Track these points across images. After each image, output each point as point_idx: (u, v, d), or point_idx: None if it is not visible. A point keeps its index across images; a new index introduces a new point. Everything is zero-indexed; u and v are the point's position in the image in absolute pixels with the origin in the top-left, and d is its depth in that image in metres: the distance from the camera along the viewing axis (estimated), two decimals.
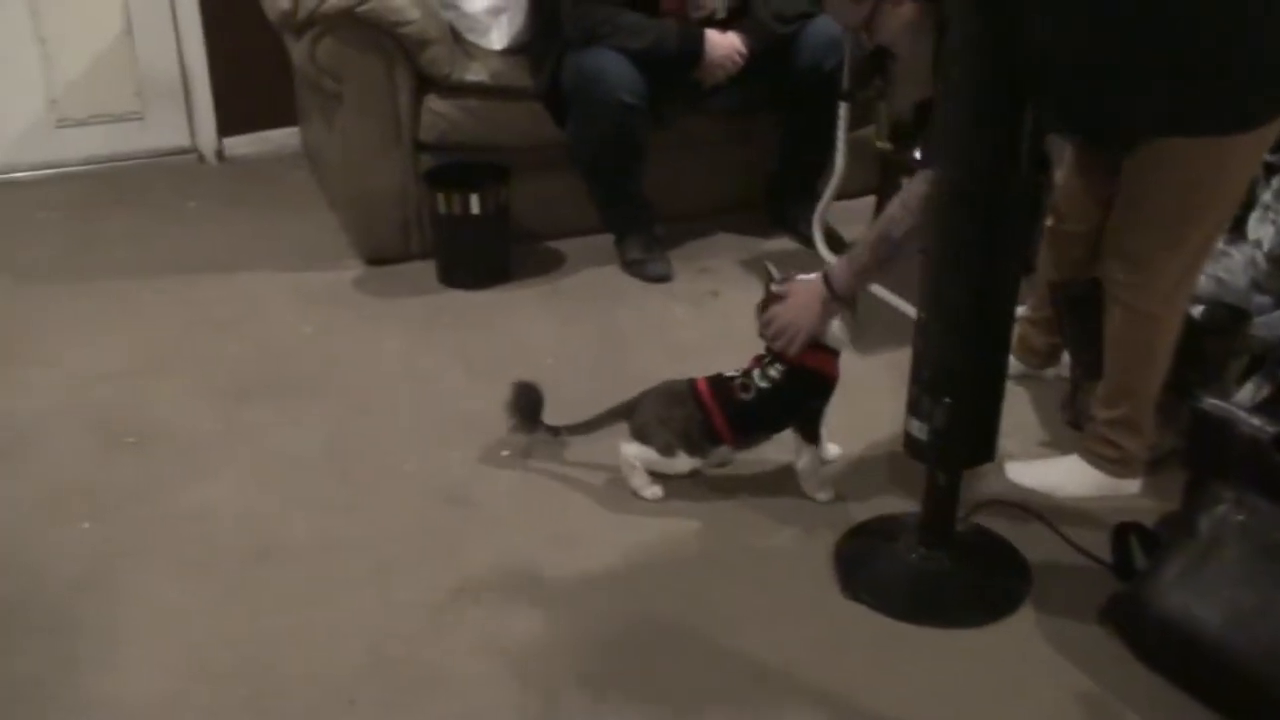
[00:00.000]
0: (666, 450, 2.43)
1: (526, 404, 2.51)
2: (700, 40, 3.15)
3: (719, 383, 2.44)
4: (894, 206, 2.31)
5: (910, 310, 2.66)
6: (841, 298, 2.35)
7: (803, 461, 2.44)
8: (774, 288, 2.40)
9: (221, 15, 3.84)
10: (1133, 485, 2.45)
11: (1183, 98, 2.10)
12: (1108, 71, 2.09)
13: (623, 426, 2.48)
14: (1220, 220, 2.30)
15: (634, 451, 2.45)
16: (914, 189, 2.26)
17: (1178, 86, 2.09)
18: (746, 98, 3.32)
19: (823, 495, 2.46)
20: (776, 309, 2.38)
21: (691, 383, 2.45)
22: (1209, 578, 1.98)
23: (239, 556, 2.29)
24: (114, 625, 2.13)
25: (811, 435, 2.43)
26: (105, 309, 3.14)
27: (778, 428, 2.45)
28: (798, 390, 2.40)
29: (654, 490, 2.46)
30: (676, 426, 2.42)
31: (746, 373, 2.43)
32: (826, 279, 2.36)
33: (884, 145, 3.09)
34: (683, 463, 2.44)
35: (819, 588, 2.23)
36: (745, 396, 2.40)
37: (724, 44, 3.17)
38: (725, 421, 2.41)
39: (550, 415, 2.59)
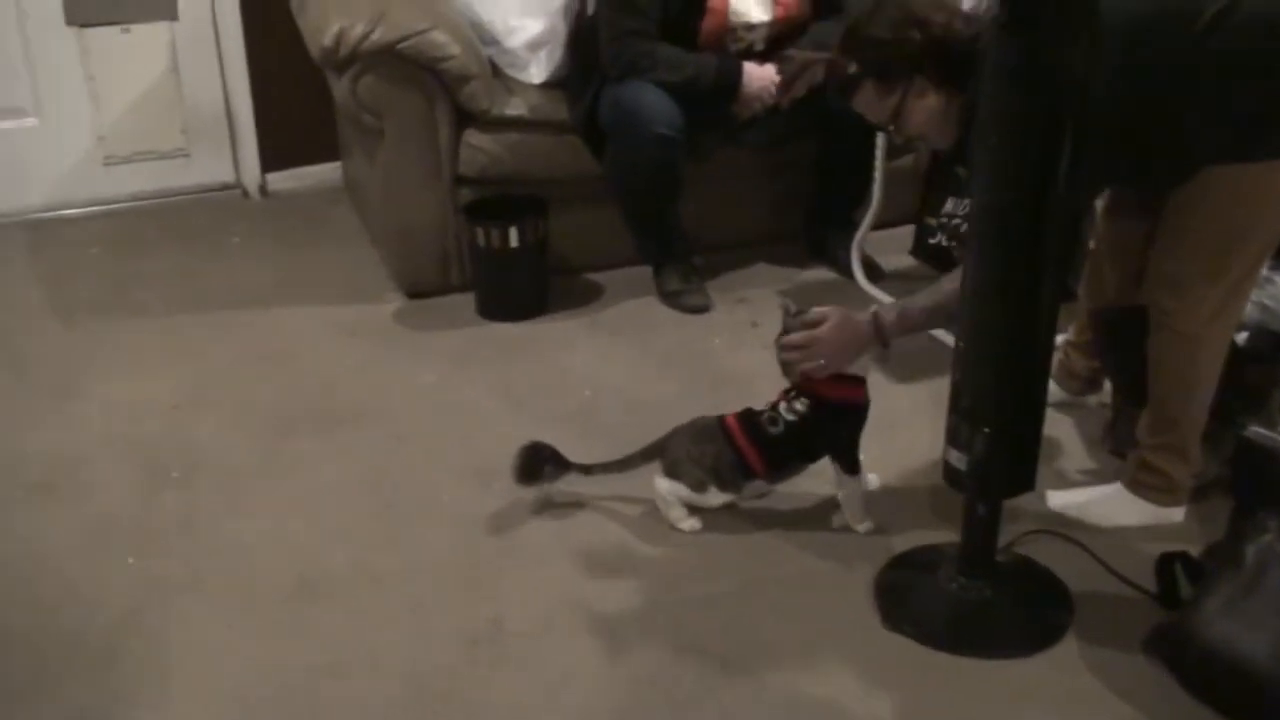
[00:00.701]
0: (698, 486, 2.43)
1: (529, 464, 2.48)
2: (738, 73, 3.17)
3: (747, 418, 2.44)
4: (948, 283, 2.31)
5: (949, 339, 2.65)
6: (884, 342, 2.36)
7: (844, 492, 2.44)
8: (789, 320, 2.41)
9: (265, 53, 3.89)
10: (1177, 514, 2.43)
11: (1233, 127, 2.10)
12: (1159, 116, 2.09)
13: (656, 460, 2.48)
14: (1265, 246, 2.28)
15: (667, 487, 2.46)
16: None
17: (1228, 118, 2.09)
18: (784, 128, 3.32)
19: (863, 527, 2.45)
20: (820, 334, 2.35)
21: (720, 419, 2.46)
22: (1255, 608, 1.96)
23: (281, 589, 2.31)
24: (158, 659, 2.15)
25: (849, 465, 2.42)
26: (150, 344, 3.18)
27: (811, 459, 2.45)
28: (825, 421, 2.40)
29: (692, 523, 2.46)
30: (707, 463, 2.42)
31: (774, 406, 2.43)
32: (878, 322, 2.35)
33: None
34: (715, 497, 2.45)
35: (860, 619, 2.22)
36: (774, 430, 2.41)
37: (761, 76, 3.18)
38: (757, 455, 2.41)
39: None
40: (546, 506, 2.53)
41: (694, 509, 2.47)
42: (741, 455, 2.41)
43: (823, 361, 2.35)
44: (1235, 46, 2.06)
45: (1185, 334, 2.28)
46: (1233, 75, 2.07)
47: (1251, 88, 2.08)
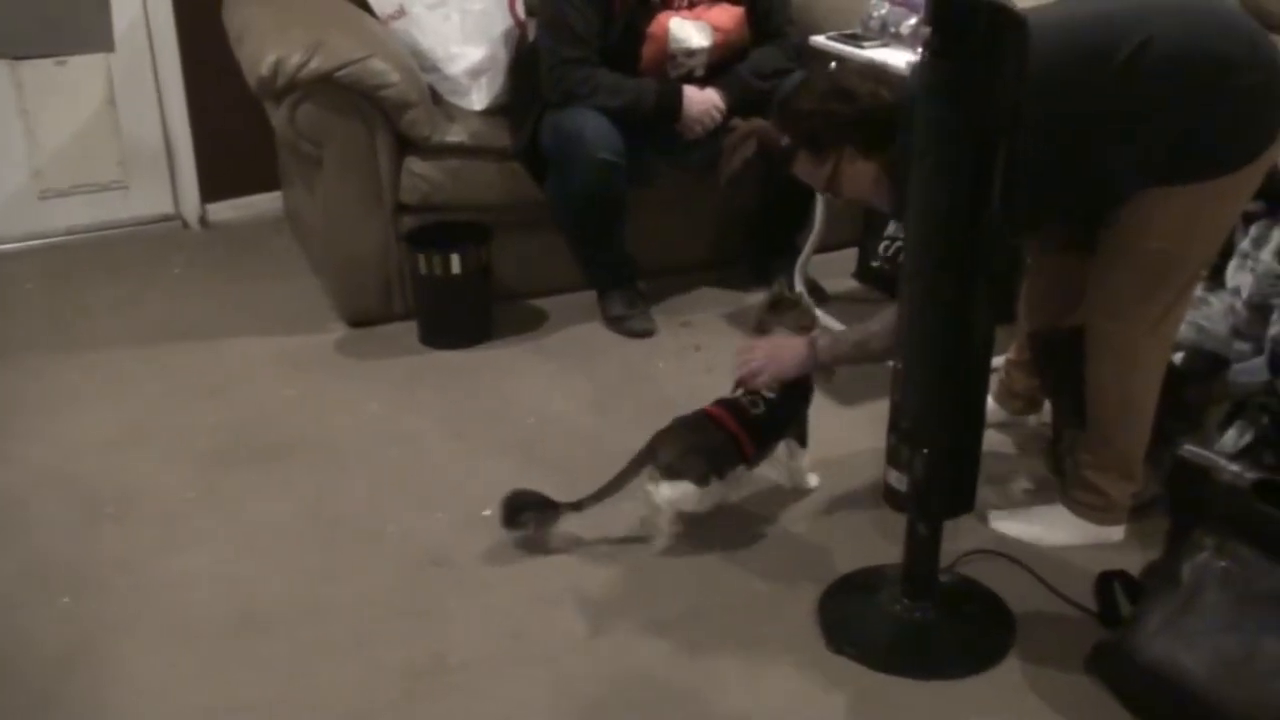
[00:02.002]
0: (703, 480, 2.42)
1: (509, 511, 2.47)
2: (678, 96, 3.18)
3: (730, 404, 2.51)
4: (875, 324, 2.42)
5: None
6: (822, 363, 2.50)
7: (797, 460, 2.62)
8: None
9: (203, 83, 3.86)
10: (1116, 533, 2.45)
11: (1153, 158, 2.14)
12: (1084, 152, 2.13)
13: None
14: (1198, 267, 2.31)
15: (669, 492, 2.42)
16: (891, 319, 2.29)
17: (1147, 151, 2.13)
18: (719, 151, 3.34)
19: (813, 480, 2.63)
20: (758, 344, 2.55)
21: (702, 412, 2.50)
22: (1192, 625, 1.98)
23: (220, 626, 2.28)
24: (96, 699, 2.11)
25: (805, 438, 2.61)
26: (88, 379, 3.14)
27: (781, 436, 2.59)
28: (796, 399, 2.56)
29: (671, 533, 2.47)
30: (706, 454, 2.44)
31: (749, 392, 2.51)
32: (812, 343, 2.49)
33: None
34: (713, 493, 2.46)
35: (803, 641, 2.22)
36: (756, 411, 2.49)
37: (701, 100, 3.19)
38: (747, 438, 2.47)
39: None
40: (490, 530, 2.51)
41: (681, 517, 2.47)
42: (735, 438, 2.45)
43: (759, 369, 2.49)
44: (1150, 84, 2.11)
45: (1122, 355, 2.31)
46: (1150, 110, 2.12)
47: (1167, 121, 2.12)
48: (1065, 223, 2.44)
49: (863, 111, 2.33)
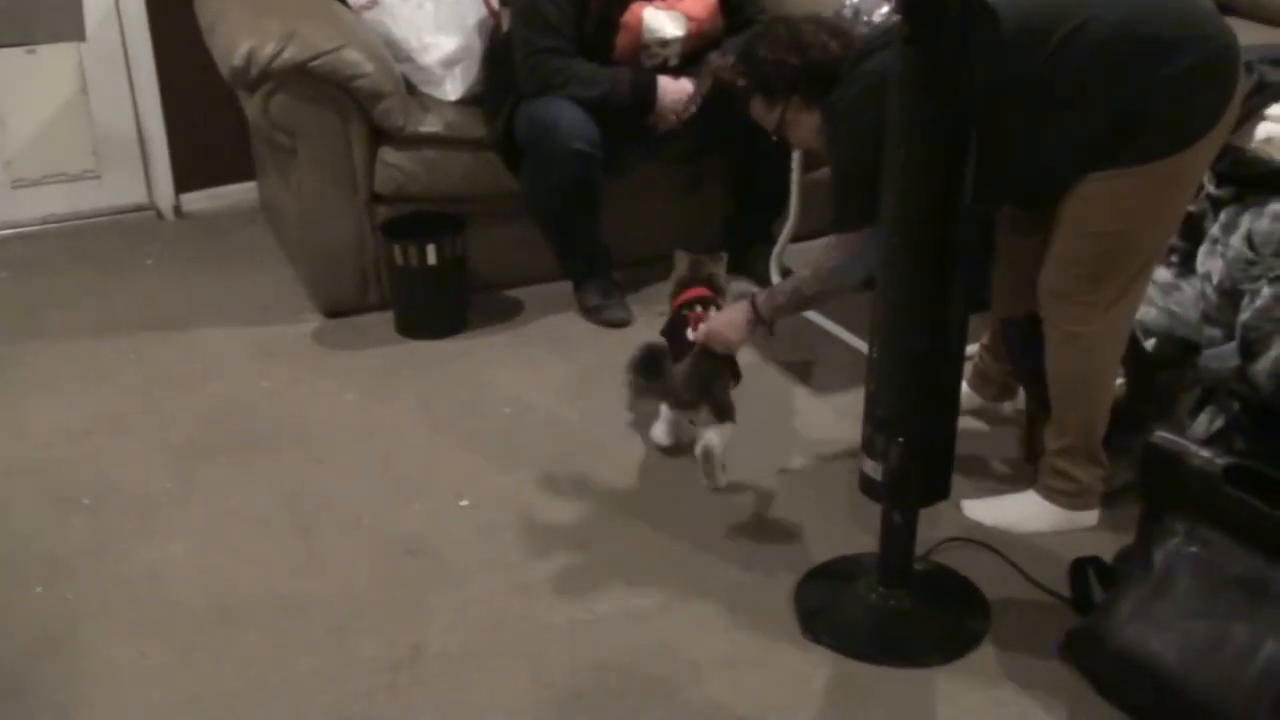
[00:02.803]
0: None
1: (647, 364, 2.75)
2: (653, 87, 3.18)
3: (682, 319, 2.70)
4: (806, 270, 2.50)
5: (865, 348, 2.68)
6: (764, 322, 2.55)
7: (723, 437, 2.54)
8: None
9: (176, 72, 3.84)
10: (1090, 518, 2.47)
11: (1090, 142, 2.16)
12: (1024, 132, 2.15)
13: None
14: (1148, 252, 2.33)
15: (725, 437, 2.53)
16: (823, 261, 2.44)
17: (1084, 134, 2.15)
18: (700, 143, 3.35)
19: (724, 480, 2.58)
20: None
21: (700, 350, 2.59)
22: (1164, 611, 2.00)
23: (196, 617, 2.27)
24: (70, 689, 2.10)
25: (730, 410, 2.56)
26: (62, 369, 3.12)
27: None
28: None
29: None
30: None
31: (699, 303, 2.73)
32: (754, 305, 2.54)
33: None
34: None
35: (780, 630, 2.23)
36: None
37: (676, 89, 3.19)
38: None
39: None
40: (467, 520, 2.51)
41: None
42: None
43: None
44: (1082, 66, 2.13)
45: (1073, 339, 2.33)
46: (1083, 93, 2.14)
47: (1101, 104, 2.14)
48: (1017, 205, 2.47)
49: (813, 65, 2.40)
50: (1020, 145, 2.18)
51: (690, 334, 2.63)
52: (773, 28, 2.54)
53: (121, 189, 3.98)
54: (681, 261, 2.89)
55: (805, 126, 2.48)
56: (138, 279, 3.62)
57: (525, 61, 3.16)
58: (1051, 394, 2.41)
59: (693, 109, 3.21)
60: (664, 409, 2.72)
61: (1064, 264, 2.29)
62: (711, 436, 2.51)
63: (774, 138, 2.56)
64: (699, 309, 2.73)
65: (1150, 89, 2.12)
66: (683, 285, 2.85)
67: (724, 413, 2.53)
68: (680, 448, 2.72)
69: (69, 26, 3.74)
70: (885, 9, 3.05)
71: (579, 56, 3.17)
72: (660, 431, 2.74)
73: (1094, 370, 2.37)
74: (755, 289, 2.88)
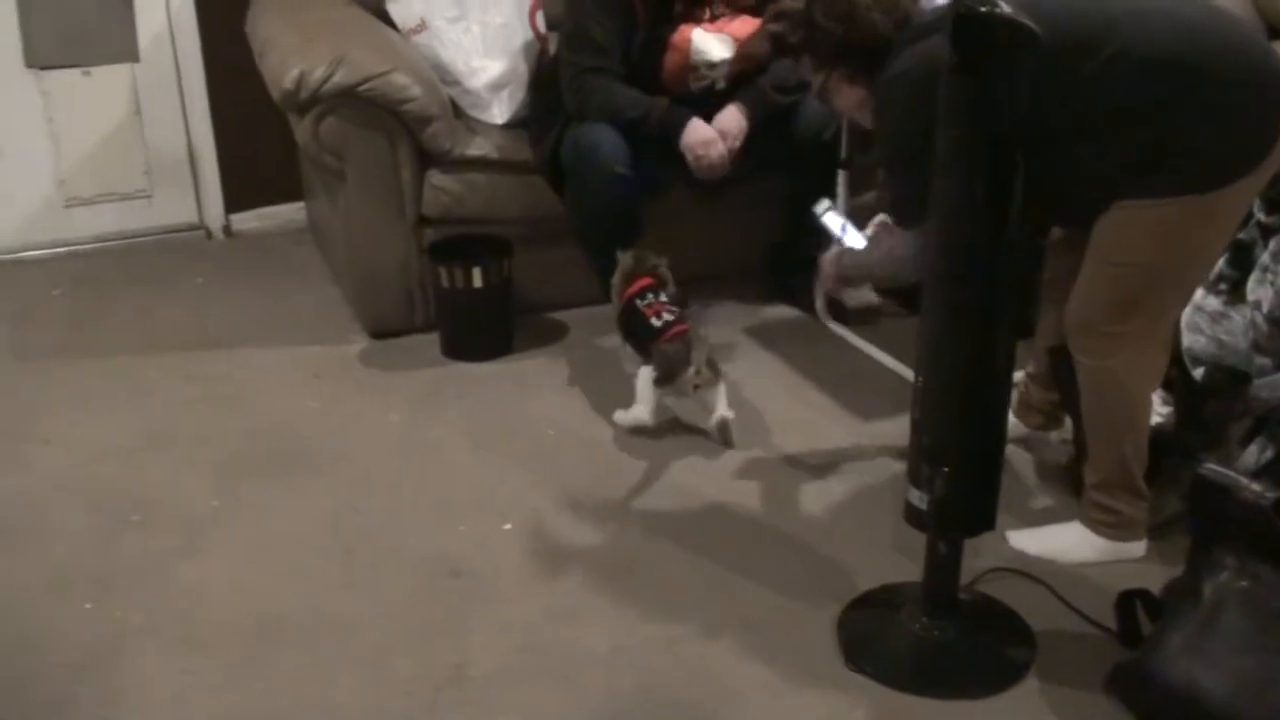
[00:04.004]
0: None
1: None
2: (682, 124, 3.15)
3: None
4: (879, 250, 2.59)
5: (910, 374, 2.67)
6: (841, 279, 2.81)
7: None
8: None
9: (228, 94, 3.89)
10: (1136, 549, 2.44)
11: (1125, 166, 2.14)
12: (1060, 151, 2.13)
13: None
14: (1180, 286, 2.31)
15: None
16: (897, 247, 2.49)
17: (1119, 158, 2.13)
18: (746, 166, 3.34)
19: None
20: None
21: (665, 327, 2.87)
22: (1213, 646, 1.97)
23: (239, 635, 2.29)
24: (114, 706, 2.13)
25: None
26: (111, 386, 3.16)
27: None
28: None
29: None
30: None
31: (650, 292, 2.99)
32: (837, 263, 2.70)
33: None
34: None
35: (822, 659, 2.21)
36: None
37: (704, 135, 3.14)
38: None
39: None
40: (510, 543, 2.52)
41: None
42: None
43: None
44: (1128, 88, 2.10)
45: (1101, 373, 2.31)
46: (1126, 116, 2.11)
47: (1141, 130, 2.12)
48: (1054, 222, 2.49)
49: (858, 39, 2.36)
50: (1056, 161, 2.15)
51: (655, 321, 2.89)
52: None
53: (172, 208, 4.03)
54: (625, 258, 3.07)
55: (846, 97, 2.47)
56: (187, 298, 3.66)
57: (570, 82, 3.18)
58: (1085, 428, 2.39)
59: (722, 157, 3.19)
60: (645, 392, 2.86)
61: (1091, 292, 2.26)
62: (723, 404, 2.82)
63: (818, 100, 2.58)
64: (651, 298, 2.97)
65: (1196, 120, 2.09)
66: (629, 278, 3.04)
67: (719, 370, 2.86)
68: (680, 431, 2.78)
69: (123, 48, 3.80)
70: None
71: (622, 79, 3.18)
72: (644, 412, 2.86)
73: (1123, 404, 2.34)
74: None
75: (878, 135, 2.42)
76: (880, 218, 2.73)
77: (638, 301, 2.98)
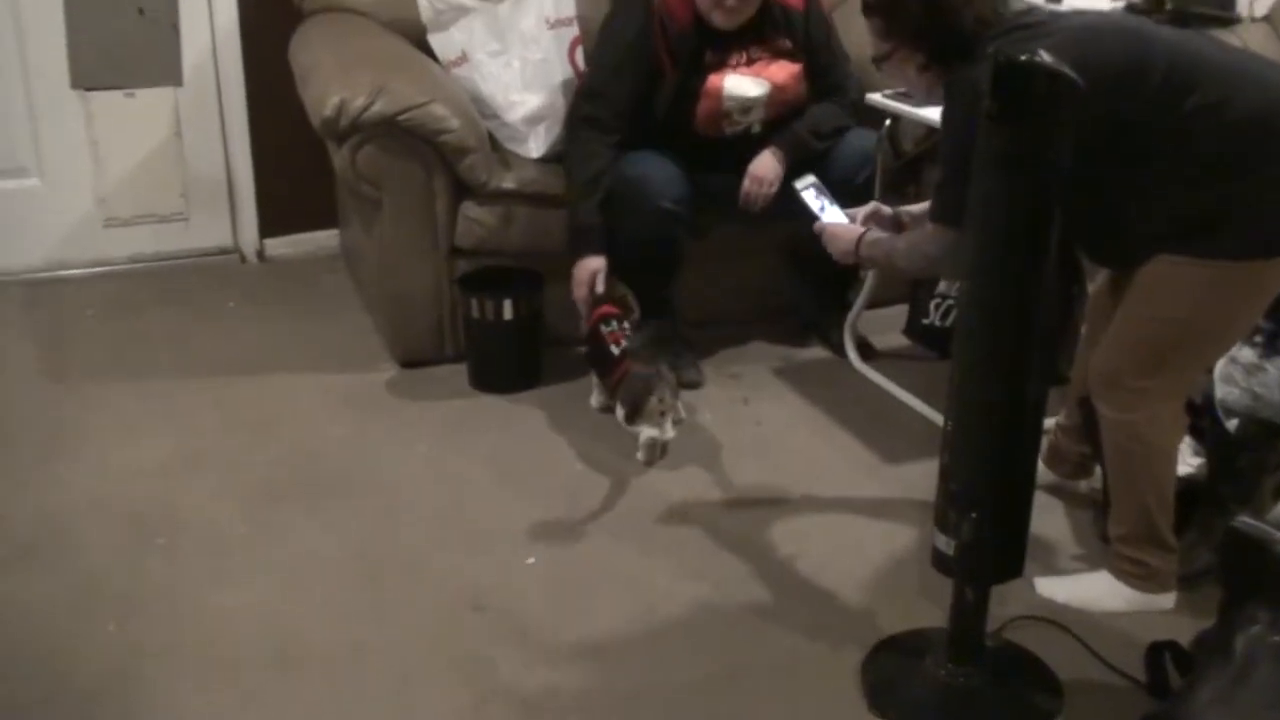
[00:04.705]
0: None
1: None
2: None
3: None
4: (903, 241, 2.52)
5: (939, 419, 2.66)
6: (858, 261, 2.66)
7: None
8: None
9: (267, 120, 3.92)
10: (1166, 600, 2.42)
11: (1183, 220, 2.12)
12: (1117, 188, 2.12)
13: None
14: (1209, 346, 2.30)
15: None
16: (921, 243, 2.44)
17: (1181, 210, 2.12)
18: (781, 208, 3.33)
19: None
20: (831, 226, 2.73)
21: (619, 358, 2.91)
22: (1244, 701, 1.94)
23: (262, 662, 2.29)
24: None
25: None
26: (142, 407, 3.18)
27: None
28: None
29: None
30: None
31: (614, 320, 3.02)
32: (859, 241, 2.60)
33: None
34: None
35: (846, 704, 2.20)
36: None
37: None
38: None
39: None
40: (534, 576, 2.51)
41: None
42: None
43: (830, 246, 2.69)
44: (1209, 143, 2.09)
45: (1123, 427, 2.30)
46: (1194, 170, 2.11)
47: (1206, 189, 2.11)
48: (1090, 258, 2.45)
49: (933, 25, 2.25)
50: (1109, 204, 2.14)
51: (614, 349, 2.95)
52: None
53: (208, 231, 4.06)
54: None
55: (903, 76, 2.38)
56: (218, 321, 3.69)
57: (565, 124, 3.26)
58: (1109, 480, 2.38)
59: (772, 190, 3.20)
60: (650, 432, 2.83)
61: (1121, 344, 2.26)
62: (669, 427, 2.84)
63: (876, 65, 2.44)
64: (614, 325, 3.00)
65: (1265, 187, 2.09)
66: (597, 303, 3.08)
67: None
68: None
69: (167, 72, 3.84)
70: None
71: (618, 133, 3.18)
72: (643, 440, 2.84)
73: (1145, 458, 2.32)
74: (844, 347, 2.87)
75: (942, 128, 2.34)
76: (871, 206, 2.71)
77: (601, 327, 3.03)
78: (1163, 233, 2.15)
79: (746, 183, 3.22)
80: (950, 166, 2.28)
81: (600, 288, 3.12)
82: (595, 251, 3.14)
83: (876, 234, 2.60)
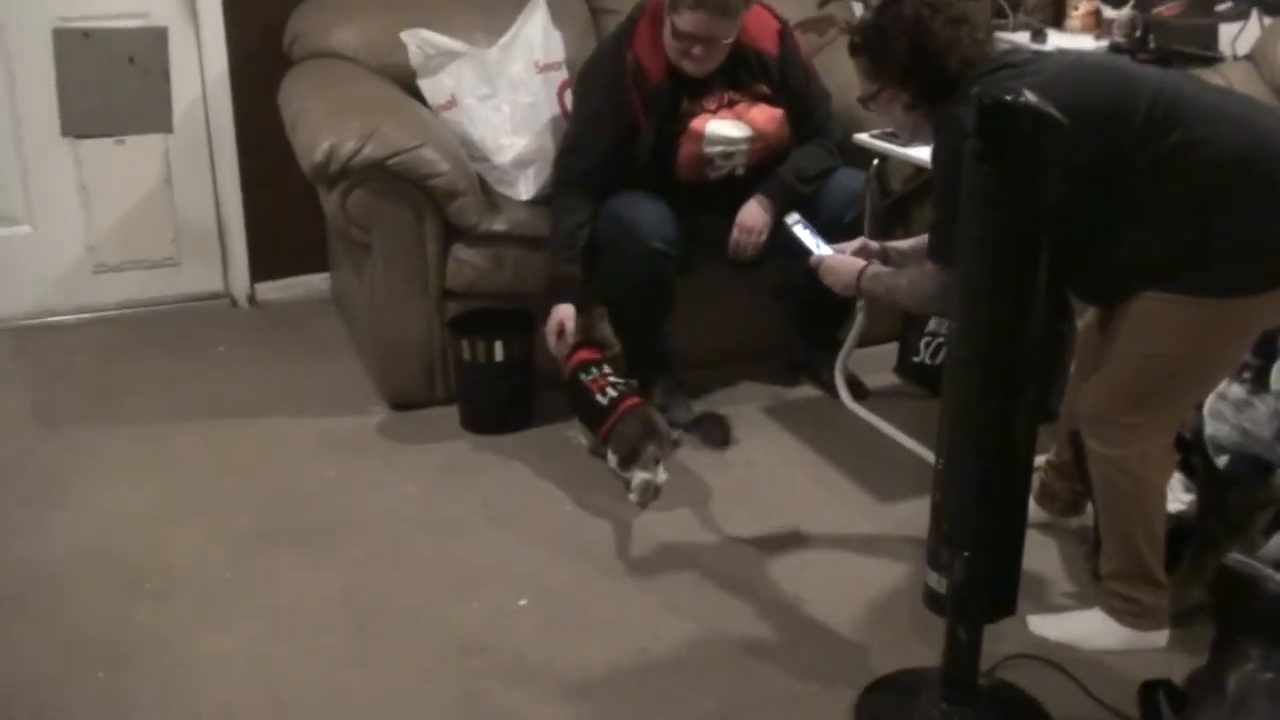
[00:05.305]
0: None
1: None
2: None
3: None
4: (904, 278, 2.48)
5: (930, 456, 2.66)
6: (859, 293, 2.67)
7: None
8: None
9: (257, 165, 3.93)
10: (1159, 638, 2.41)
11: (1169, 255, 2.14)
12: (1103, 224, 2.14)
13: None
14: (1196, 384, 2.31)
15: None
16: (920, 283, 2.40)
17: (1166, 245, 2.13)
18: (770, 249, 3.34)
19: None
20: (831, 259, 2.71)
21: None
22: None
23: (253, 710, 2.27)
24: None
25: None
26: (132, 453, 3.17)
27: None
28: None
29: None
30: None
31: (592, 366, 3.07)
32: (860, 274, 2.57)
33: None
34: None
35: None
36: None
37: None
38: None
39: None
40: (525, 619, 2.50)
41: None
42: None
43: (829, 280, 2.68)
44: (1188, 180, 2.11)
45: (1112, 463, 2.31)
46: (1178, 207, 2.12)
47: (1190, 225, 2.13)
48: (1079, 295, 2.46)
49: (922, 67, 2.26)
50: (1095, 240, 2.16)
51: (600, 399, 2.99)
52: (911, 4, 2.29)
53: (198, 277, 4.07)
54: (574, 319, 3.12)
55: (890, 115, 2.40)
56: (209, 366, 3.68)
57: (553, 181, 3.30)
58: (1099, 517, 2.38)
59: (761, 238, 3.22)
60: (644, 475, 2.91)
61: (1112, 380, 2.27)
62: (660, 470, 2.92)
63: (862, 105, 2.45)
64: (595, 372, 3.05)
65: (1245, 224, 2.10)
66: (574, 348, 3.11)
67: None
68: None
69: (158, 119, 3.85)
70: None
71: (600, 184, 3.21)
72: (636, 484, 2.91)
73: (1134, 494, 2.33)
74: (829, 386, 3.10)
75: (934, 164, 2.35)
76: (859, 241, 2.71)
77: (581, 376, 3.06)
78: (1148, 270, 2.17)
79: (735, 233, 3.24)
80: (944, 205, 2.28)
81: (570, 336, 3.13)
82: (565, 300, 3.16)
83: (878, 268, 2.59)
